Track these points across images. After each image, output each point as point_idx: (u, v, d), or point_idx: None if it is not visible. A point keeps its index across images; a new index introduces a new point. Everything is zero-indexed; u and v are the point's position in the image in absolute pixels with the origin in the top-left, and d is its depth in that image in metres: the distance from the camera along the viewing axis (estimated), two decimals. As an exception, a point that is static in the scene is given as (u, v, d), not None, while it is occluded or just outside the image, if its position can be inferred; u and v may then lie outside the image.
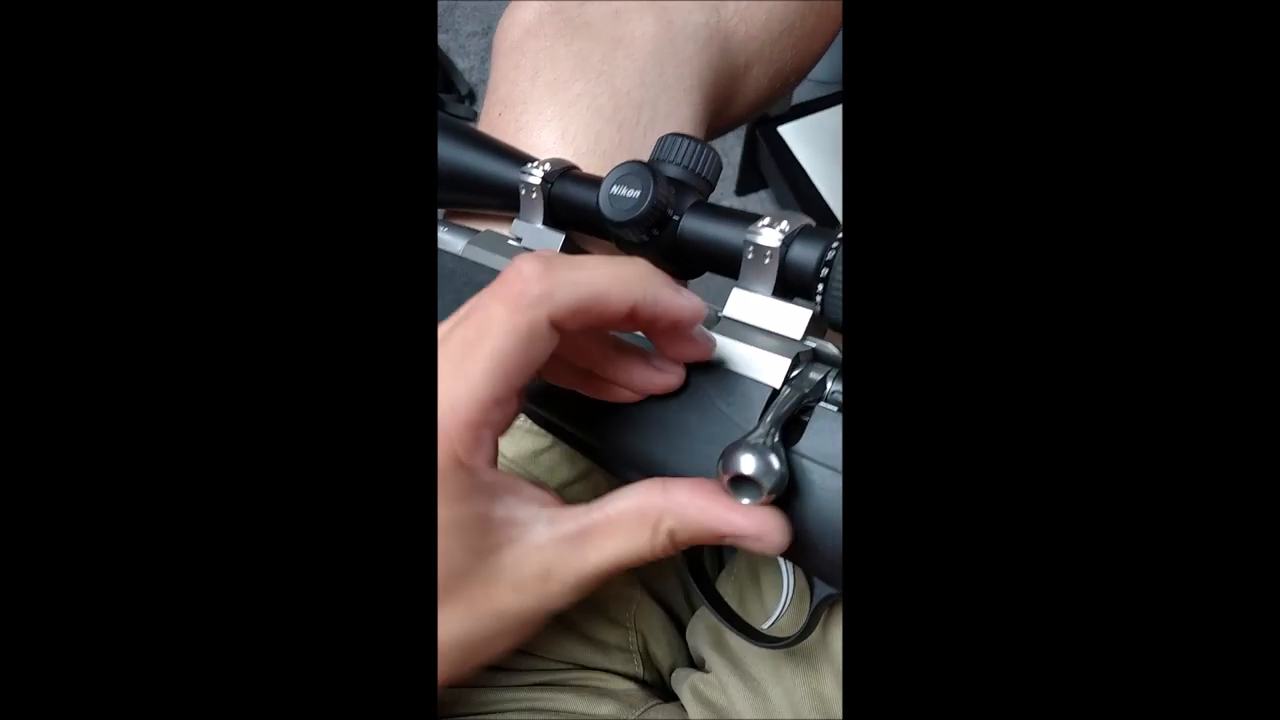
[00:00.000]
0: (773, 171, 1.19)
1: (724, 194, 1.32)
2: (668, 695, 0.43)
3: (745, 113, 0.53)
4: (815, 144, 1.18)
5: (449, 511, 0.22)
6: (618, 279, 0.24)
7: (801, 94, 1.24)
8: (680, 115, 0.44)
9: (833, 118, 1.21)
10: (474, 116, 1.34)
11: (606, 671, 0.41)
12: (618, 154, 0.41)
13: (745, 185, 1.30)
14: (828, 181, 1.14)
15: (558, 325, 0.23)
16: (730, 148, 1.32)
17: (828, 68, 1.35)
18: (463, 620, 0.24)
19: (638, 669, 0.42)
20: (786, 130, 1.18)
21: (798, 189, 1.14)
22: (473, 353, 0.23)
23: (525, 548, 0.24)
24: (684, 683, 0.41)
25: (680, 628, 0.45)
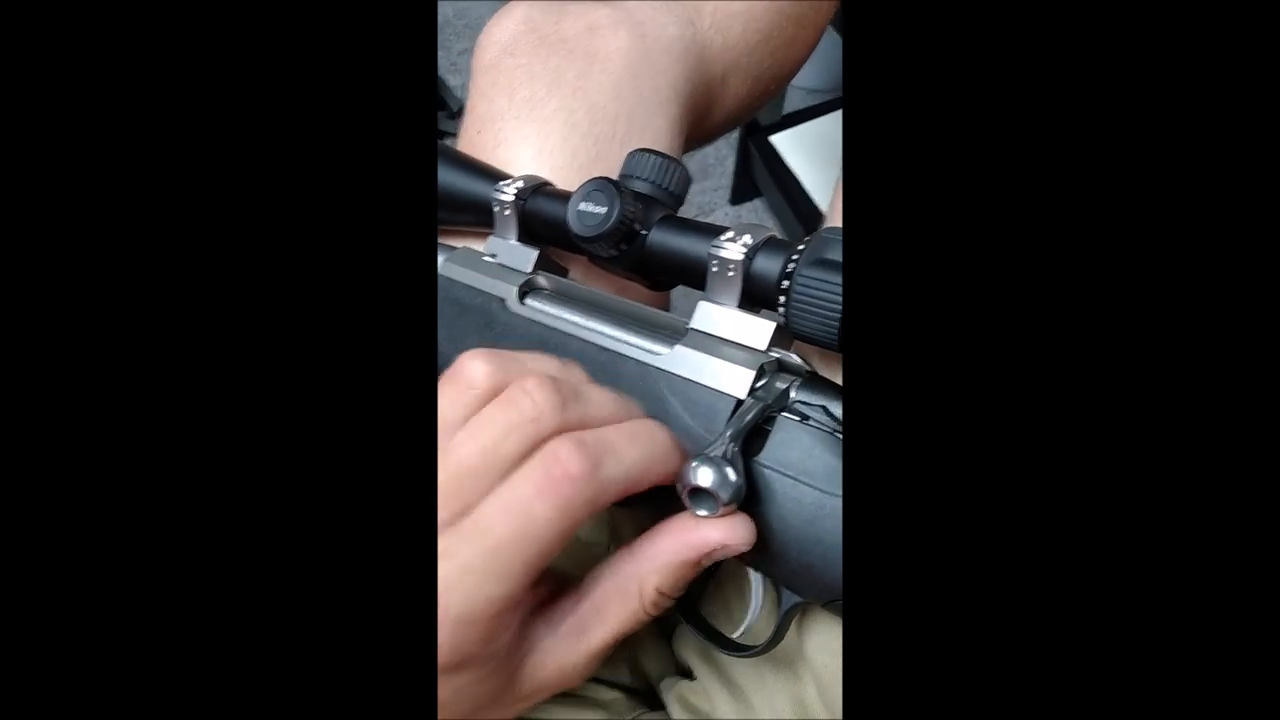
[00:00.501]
0: (766, 180, 1.20)
1: (718, 203, 1.32)
2: (655, 704, 0.43)
3: (726, 122, 0.54)
4: (808, 152, 1.19)
5: (474, 674, 0.24)
6: (652, 460, 0.25)
7: (793, 103, 1.25)
8: (656, 128, 0.44)
9: (824, 126, 1.21)
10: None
11: (593, 680, 0.42)
12: (594, 168, 0.42)
13: (739, 195, 1.31)
14: (821, 189, 1.14)
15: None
16: (724, 157, 1.33)
17: (818, 76, 1.36)
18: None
19: (625, 677, 0.42)
20: (779, 139, 1.19)
21: (791, 197, 1.15)
22: (512, 553, 0.23)
23: (539, 658, 0.26)
24: (671, 691, 0.42)
25: (668, 636, 0.45)
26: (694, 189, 1.33)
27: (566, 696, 0.40)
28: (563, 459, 0.22)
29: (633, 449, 0.24)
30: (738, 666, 0.39)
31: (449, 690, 0.24)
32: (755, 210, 1.31)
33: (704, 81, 0.48)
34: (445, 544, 0.23)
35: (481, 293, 0.34)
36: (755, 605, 0.30)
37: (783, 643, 0.31)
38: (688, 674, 0.43)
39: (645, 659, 0.43)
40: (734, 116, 0.54)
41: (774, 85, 0.55)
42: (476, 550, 0.22)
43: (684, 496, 0.24)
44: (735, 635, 0.32)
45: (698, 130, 0.51)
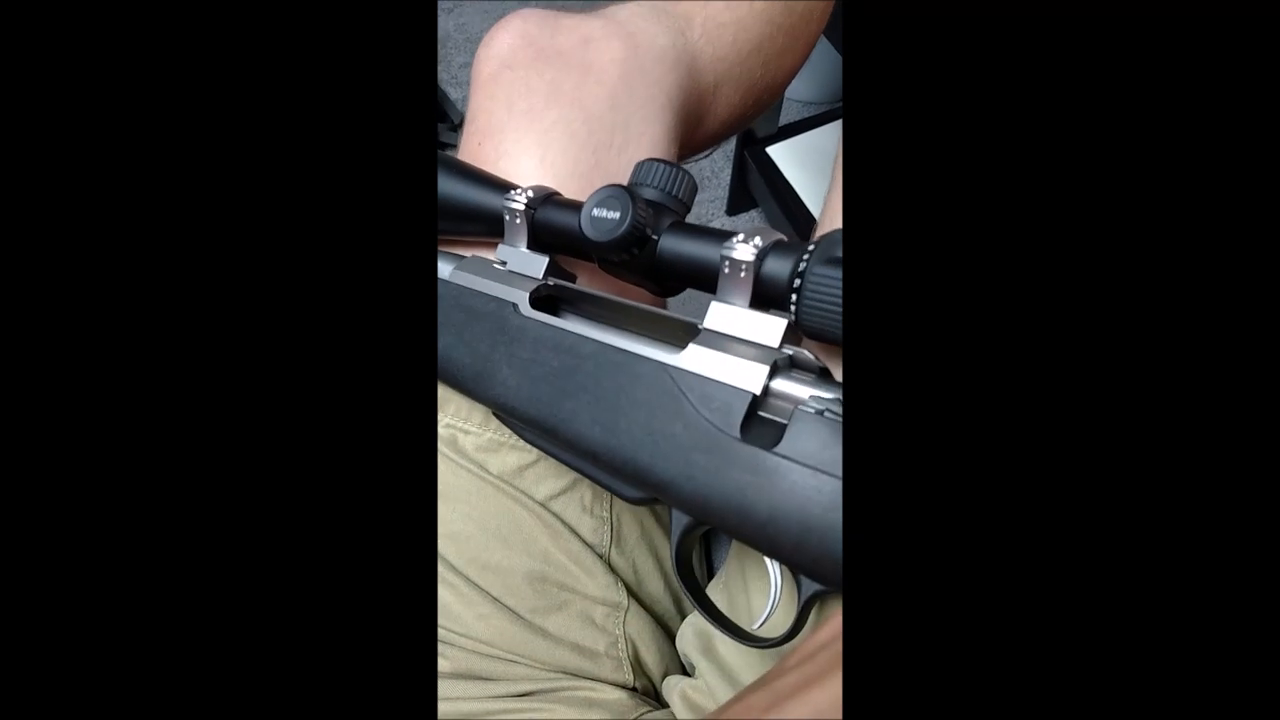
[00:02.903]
0: (762, 191, 1.21)
1: (715, 214, 1.33)
2: (660, 703, 0.44)
3: (720, 130, 0.55)
4: (803, 164, 1.20)
5: None
6: None
7: (789, 115, 1.26)
8: (653, 135, 0.45)
9: (819, 138, 1.23)
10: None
11: (596, 680, 0.42)
12: (595, 175, 0.43)
13: (735, 205, 1.31)
14: (816, 200, 1.15)
15: None
16: (720, 170, 1.34)
17: (814, 89, 1.37)
18: None
19: (628, 676, 0.43)
20: (775, 151, 1.20)
21: (787, 208, 1.16)
22: None
23: None
24: (674, 689, 0.42)
25: (671, 635, 0.46)
26: (690, 200, 1.34)
27: (569, 698, 0.41)
28: None
29: None
30: (740, 664, 0.39)
31: None
32: (751, 220, 1.32)
33: (696, 90, 0.49)
34: None
35: (493, 299, 0.35)
36: (774, 595, 0.31)
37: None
38: (691, 672, 0.43)
39: (648, 656, 0.44)
40: (727, 125, 0.55)
41: (767, 95, 0.56)
42: None
43: None
44: (753, 627, 0.32)
45: (691, 139, 0.52)
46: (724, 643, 0.41)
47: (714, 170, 1.34)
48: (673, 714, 0.42)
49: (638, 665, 0.43)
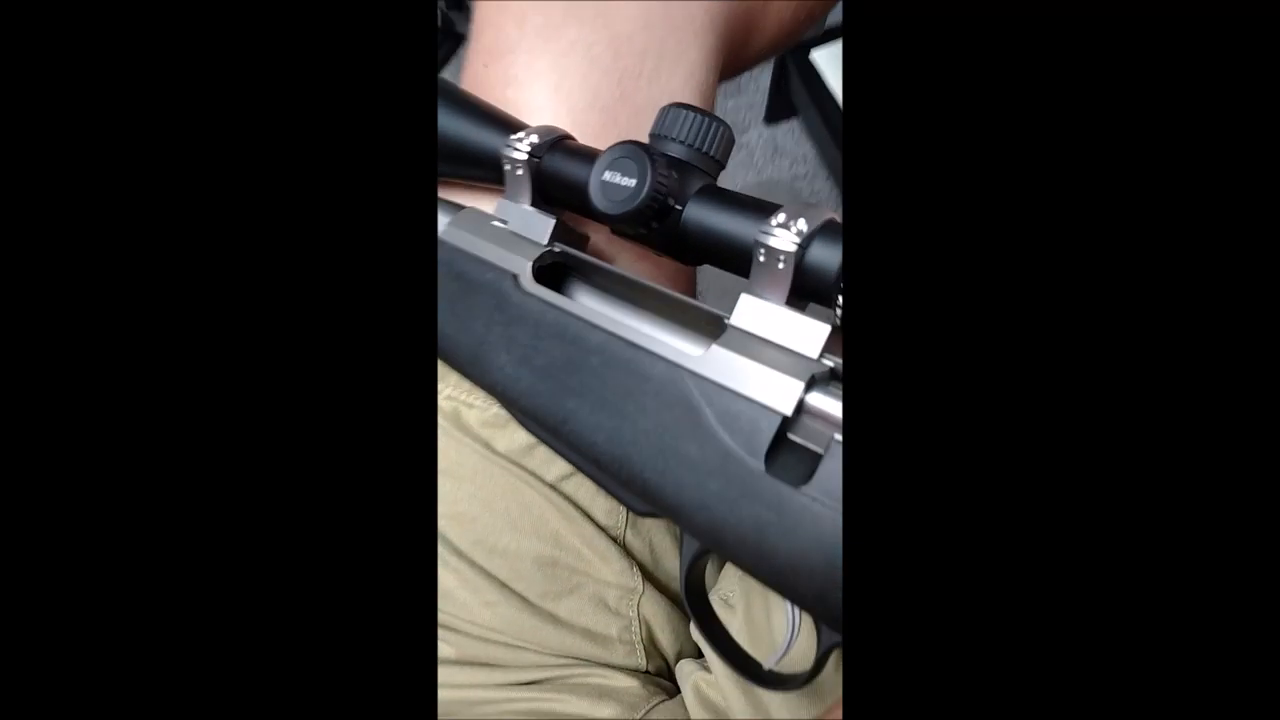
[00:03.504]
0: (803, 99, 1.12)
1: (752, 121, 1.25)
2: (674, 684, 0.41)
3: (767, 49, 0.48)
4: (849, 69, 1.11)
5: None
6: None
7: (835, 16, 1.16)
8: (690, 60, 0.39)
9: (869, 40, 1.13)
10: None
11: (607, 666, 0.39)
12: (619, 109, 0.37)
13: (774, 113, 1.23)
14: (861, 110, 1.07)
15: None
16: (758, 72, 1.25)
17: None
18: None
19: (640, 660, 0.40)
20: (819, 55, 1.11)
21: (828, 118, 1.07)
22: None
23: None
24: (688, 679, 0.40)
25: (687, 613, 0.43)
26: (726, 105, 1.26)
27: (579, 686, 0.38)
28: None
29: None
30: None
31: None
32: (791, 129, 1.24)
33: (743, 4, 0.42)
34: None
35: (491, 266, 0.30)
36: (791, 637, 0.28)
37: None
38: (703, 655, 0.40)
39: (662, 636, 0.41)
40: (776, 43, 0.48)
41: (821, 6, 0.49)
42: None
43: None
44: (771, 665, 0.29)
45: (735, 60, 0.45)
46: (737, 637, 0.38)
47: (752, 73, 1.25)
48: (683, 703, 0.39)
49: (651, 646, 0.41)
